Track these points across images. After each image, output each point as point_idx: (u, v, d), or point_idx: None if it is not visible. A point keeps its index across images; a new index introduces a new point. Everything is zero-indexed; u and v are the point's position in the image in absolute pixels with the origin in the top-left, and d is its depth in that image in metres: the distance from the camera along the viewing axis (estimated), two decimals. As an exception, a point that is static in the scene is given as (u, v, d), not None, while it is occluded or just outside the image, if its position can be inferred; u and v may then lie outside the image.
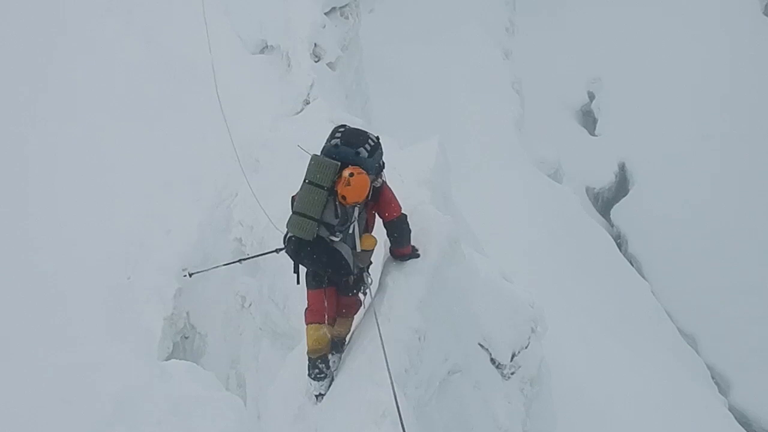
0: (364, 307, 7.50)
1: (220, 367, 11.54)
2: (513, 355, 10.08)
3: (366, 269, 7.06)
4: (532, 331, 10.53)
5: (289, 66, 15.20)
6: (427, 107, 24.69)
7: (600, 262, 24.48)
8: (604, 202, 34.61)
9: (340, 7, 17.66)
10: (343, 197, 6.40)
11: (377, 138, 6.89)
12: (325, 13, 16.83)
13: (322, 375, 7.11)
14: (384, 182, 6.98)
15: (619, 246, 29.97)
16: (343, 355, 7.41)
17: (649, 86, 36.73)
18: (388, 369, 6.19)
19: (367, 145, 6.68)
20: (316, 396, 7.21)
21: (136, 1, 15.95)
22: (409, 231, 7.13)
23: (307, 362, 7.14)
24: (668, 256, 30.76)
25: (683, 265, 30.44)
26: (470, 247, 10.34)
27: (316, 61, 15.52)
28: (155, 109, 13.94)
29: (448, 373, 8.20)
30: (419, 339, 7.36)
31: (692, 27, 38.17)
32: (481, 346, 9.60)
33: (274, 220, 9.71)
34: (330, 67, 15.97)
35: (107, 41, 15.01)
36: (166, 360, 11.05)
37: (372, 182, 6.71)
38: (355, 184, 6.39)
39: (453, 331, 8.15)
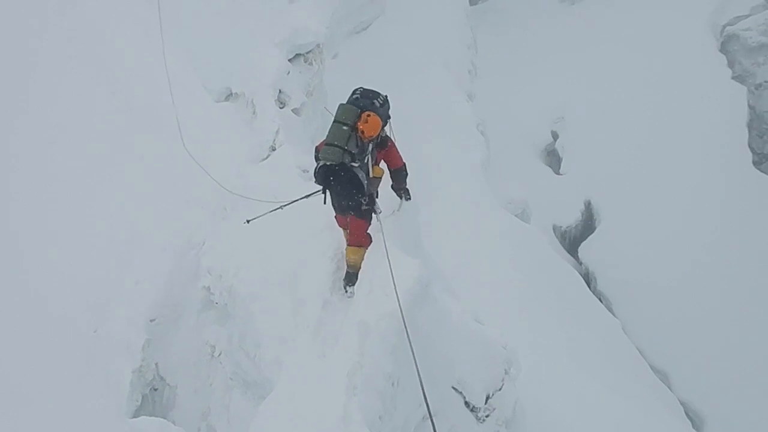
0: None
1: (190, 419, 11.30)
2: (487, 398, 10.04)
3: (375, 197, 9.24)
4: (506, 372, 10.50)
5: (254, 113, 15.20)
6: (393, 151, 24.73)
7: (570, 300, 24.52)
8: (572, 240, 34.85)
9: (304, 54, 17.73)
10: (362, 131, 8.76)
11: (386, 96, 9.27)
12: (289, 60, 16.90)
13: (353, 282, 9.49)
14: (389, 137, 9.39)
15: (588, 283, 30.09)
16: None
17: (611, 124, 37.27)
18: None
19: (379, 99, 9.14)
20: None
21: (99, 50, 15.87)
22: (406, 174, 9.78)
23: (346, 274, 9.69)
24: (637, 292, 30.98)
25: (652, 301, 30.66)
26: (441, 290, 10.31)
27: (281, 108, 15.55)
28: (121, 158, 13.81)
29: (423, 418, 8.12)
30: (393, 385, 7.30)
31: (654, 64, 38.84)
32: (455, 389, 9.55)
33: (244, 267, 9.69)
34: (295, 113, 16.01)
35: (72, 90, 14.88)
36: (135, 413, 10.86)
37: (382, 126, 9.02)
38: (371, 122, 8.80)
39: (426, 376, 8.08)
